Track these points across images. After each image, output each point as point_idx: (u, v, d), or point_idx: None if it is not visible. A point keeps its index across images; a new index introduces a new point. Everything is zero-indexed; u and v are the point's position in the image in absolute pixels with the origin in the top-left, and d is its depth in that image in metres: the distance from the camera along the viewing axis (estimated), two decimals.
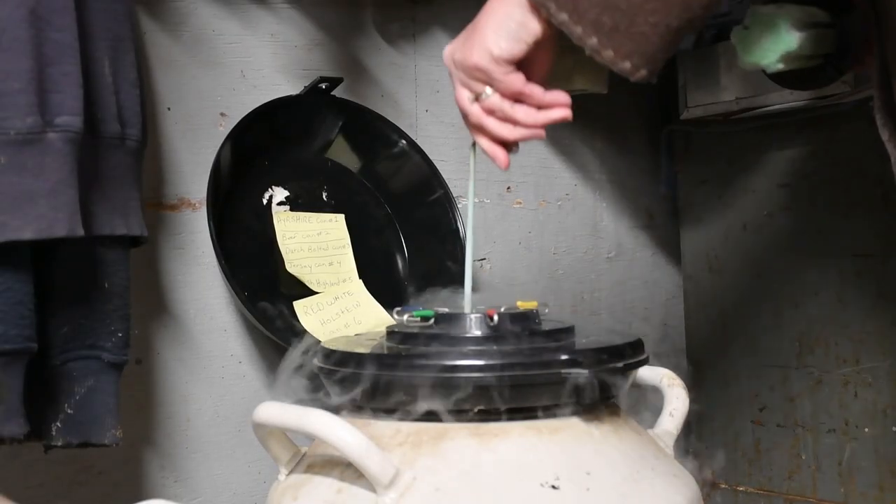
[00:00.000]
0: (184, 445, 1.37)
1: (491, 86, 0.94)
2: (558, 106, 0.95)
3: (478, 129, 0.97)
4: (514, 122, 0.96)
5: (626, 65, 0.87)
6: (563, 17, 0.86)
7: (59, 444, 1.10)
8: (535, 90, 0.94)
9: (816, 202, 1.54)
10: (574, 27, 0.86)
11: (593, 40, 0.86)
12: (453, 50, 0.95)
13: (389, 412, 0.96)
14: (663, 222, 1.83)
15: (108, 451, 1.21)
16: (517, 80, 0.93)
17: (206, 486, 1.39)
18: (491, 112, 0.95)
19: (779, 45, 1.09)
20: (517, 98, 0.95)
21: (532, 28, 0.91)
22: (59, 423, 1.09)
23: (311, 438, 0.96)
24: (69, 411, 1.09)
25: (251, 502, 1.41)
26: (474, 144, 0.99)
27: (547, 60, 0.95)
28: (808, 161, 1.56)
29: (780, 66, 1.11)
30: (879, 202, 1.45)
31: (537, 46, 0.92)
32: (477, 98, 0.95)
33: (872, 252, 1.47)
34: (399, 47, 1.56)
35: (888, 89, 1.00)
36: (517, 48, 0.92)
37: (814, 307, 1.54)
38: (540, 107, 0.95)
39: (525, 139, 0.97)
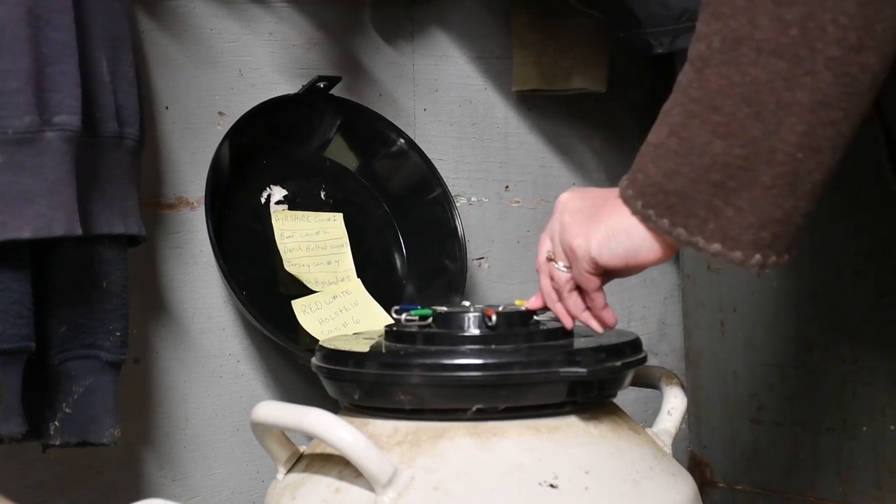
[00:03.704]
0: (182, 444, 1.37)
1: (569, 268, 0.95)
2: (601, 322, 0.97)
3: (538, 271, 0.99)
4: (562, 302, 0.97)
5: (785, 258, 0.86)
6: (716, 247, 0.85)
7: (58, 443, 1.10)
8: (599, 300, 0.95)
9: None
10: (731, 253, 0.85)
11: (756, 258, 0.85)
12: (571, 206, 0.94)
13: (388, 411, 0.96)
14: None
15: (107, 450, 1.21)
16: (592, 283, 0.94)
17: (204, 485, 1.39)
18: (550, 279, 0.97)
19: None
20: (580, 291, 0.96)
21: (641, 258, 0.90)
22: (57, 423, 1.09)
23: (309, 437, 0.96)
24: (67, 410, 1.09)
25: (249, 501, 1.41)
26: None
27: (627, 274, 0.95)
28: None
29: None
30: (879, 201, 1.45)
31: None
32: (550, 259, 0.96)
33: (871, 251, 1.47)
34: (397, 46, 1.56)
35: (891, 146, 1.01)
36: (613, 264, 0.91)
37: (812, 306, 1.54)
38: (590, 310, 0.97)
39: (557, 316, 0.99)
